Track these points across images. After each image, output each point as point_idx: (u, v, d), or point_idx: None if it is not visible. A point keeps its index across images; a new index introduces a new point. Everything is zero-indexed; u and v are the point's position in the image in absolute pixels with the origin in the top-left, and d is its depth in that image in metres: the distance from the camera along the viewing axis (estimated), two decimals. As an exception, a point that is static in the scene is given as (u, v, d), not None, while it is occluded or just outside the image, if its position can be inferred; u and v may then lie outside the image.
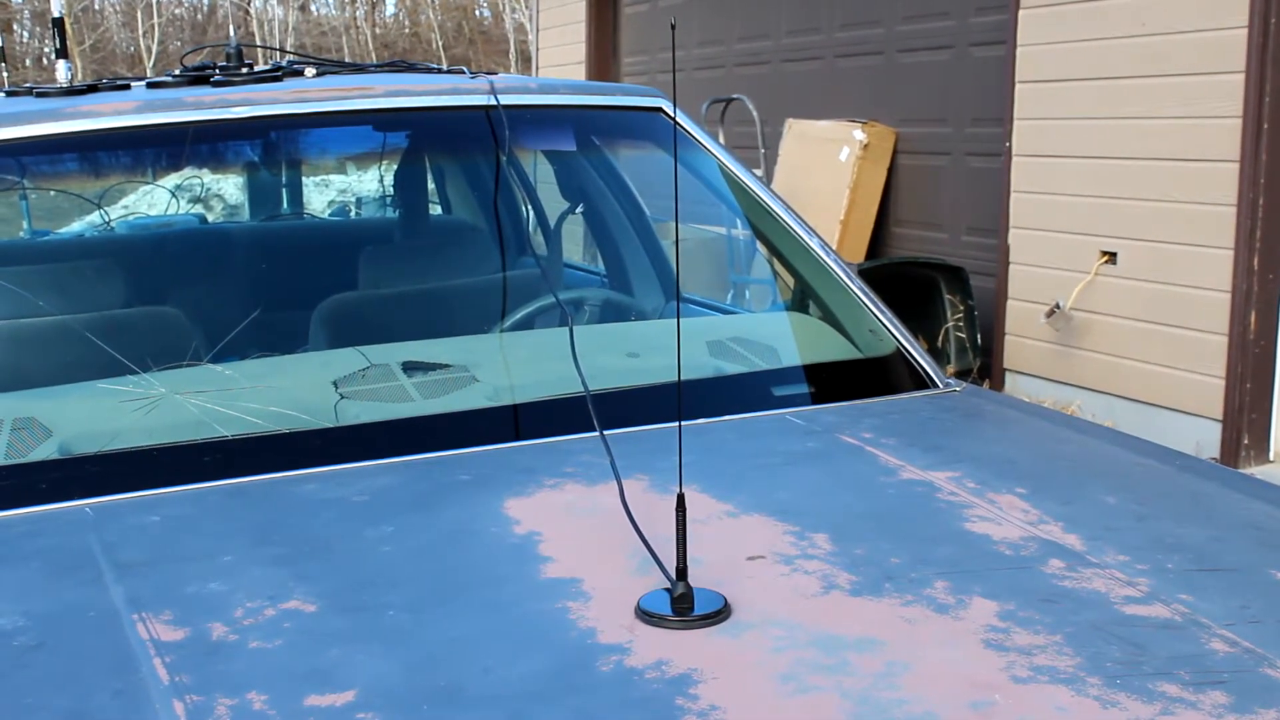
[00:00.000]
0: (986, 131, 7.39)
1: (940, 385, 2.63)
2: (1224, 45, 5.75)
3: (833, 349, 2.76)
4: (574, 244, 4.26)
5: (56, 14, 3.29)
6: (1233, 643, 1.55)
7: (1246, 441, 5.87)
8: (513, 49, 30.31)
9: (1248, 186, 5.68)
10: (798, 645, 1.52)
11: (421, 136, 3.33)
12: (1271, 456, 5.94)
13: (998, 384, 7.19)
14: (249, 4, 33.43)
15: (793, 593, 1.66)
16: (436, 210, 4.13)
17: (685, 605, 1.58)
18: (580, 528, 1.86)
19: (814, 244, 2.84)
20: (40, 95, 2.79)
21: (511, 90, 2.85)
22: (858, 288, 2.77)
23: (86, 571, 1.75)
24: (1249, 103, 5.64)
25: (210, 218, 5.09)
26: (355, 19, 35.23)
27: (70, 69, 3.05)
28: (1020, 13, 6.86)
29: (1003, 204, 7.09)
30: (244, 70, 2.88)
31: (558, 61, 12.49)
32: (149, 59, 30.83)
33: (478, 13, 35.26)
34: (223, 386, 2.31)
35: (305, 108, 2.71)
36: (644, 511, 1.79)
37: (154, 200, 4.60)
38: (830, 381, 2.66)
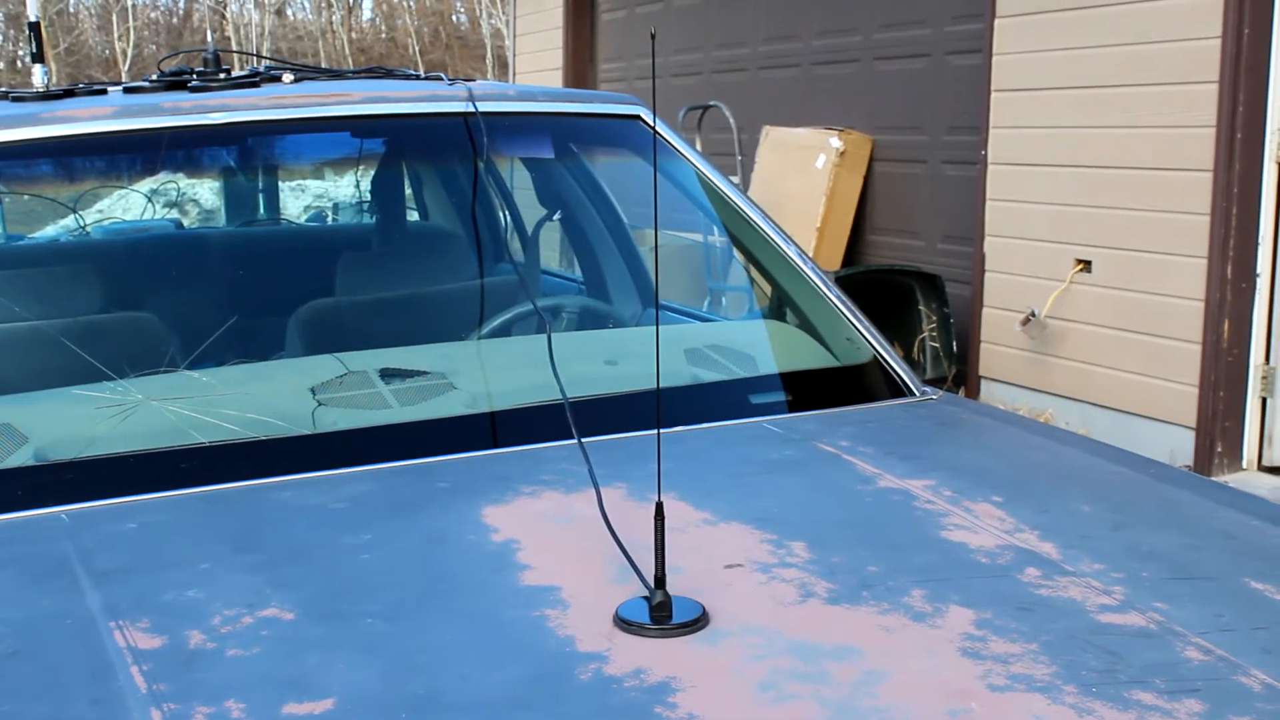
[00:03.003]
0: (962, 139, 7.42)
1: (917, 393, 2.64)
2: (1198, 55, 5.78)
3: (810, 357, 2.77)
4: (551, 251, 4.26)
5: (33, 18, 3.27)
6: (1207, 651, 1.56)
7: (1220, 449, 5.90)
8: (489, 55, 30.29)
9: (1221, 196, 5.71)
10: (776, 653, 1.53)
11: (400, 143, 3.32)
12: (1245, 464, 5.97)
13: (973, 391, 7.21)
14: (225, 8, 33.33)
15: (771, 601, 1.66)
16: (414, 217, 4.13)
17: (663, 613, 1.58)
18: (558, 535, 1.86)
19: (791, 252, 2.85)
20: (16, 100, 2.78)
21: (490, 97, 2.85)
22: (834, 296, 2.77)
23: (63, 579, 1.74)
24: (1223, 112, 5.68)
25: (186, 223, 5.08)
26: (331, 24, 35.16)
27: (46, 73, 3.04)
28: (996, 21, 6.89)
29: (978, 212, 7.11)
30: (221, 76, 2.88)
31: (535, 67, 12.49)
32: (124, 62, 30.72)
33: (455, 18, 35.22)
34: (199, 393, 2.30)
35: (283, 114, 2.70)
36: (622, 519, 1.79)
37: (129, 205, 4.59)
38: (807, 389, 2.66)
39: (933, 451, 2.32)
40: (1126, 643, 1.57)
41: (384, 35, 35.65)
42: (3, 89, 3.02)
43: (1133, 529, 1.95)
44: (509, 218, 3.81)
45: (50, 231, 4.07)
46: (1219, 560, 1.86)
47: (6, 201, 3.90)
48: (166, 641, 1.56)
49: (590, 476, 1.88)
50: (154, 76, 2.94)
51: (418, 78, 3.18)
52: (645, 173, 3.02)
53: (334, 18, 35.31)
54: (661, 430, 1.93)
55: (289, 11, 35.63)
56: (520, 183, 3.60)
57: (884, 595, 1.68)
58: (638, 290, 3.38)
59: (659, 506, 1.64)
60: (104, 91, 2.90)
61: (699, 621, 1.59)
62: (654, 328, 2.05)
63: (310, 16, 35.75)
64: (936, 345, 2.92)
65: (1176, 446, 6.00)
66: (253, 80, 2.85)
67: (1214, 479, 5.38)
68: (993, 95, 6.96)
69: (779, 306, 2.94)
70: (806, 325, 2.82)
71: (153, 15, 35.38)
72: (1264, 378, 5.88)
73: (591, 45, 11.81)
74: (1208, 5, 5.73)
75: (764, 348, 2.92)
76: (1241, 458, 5.97)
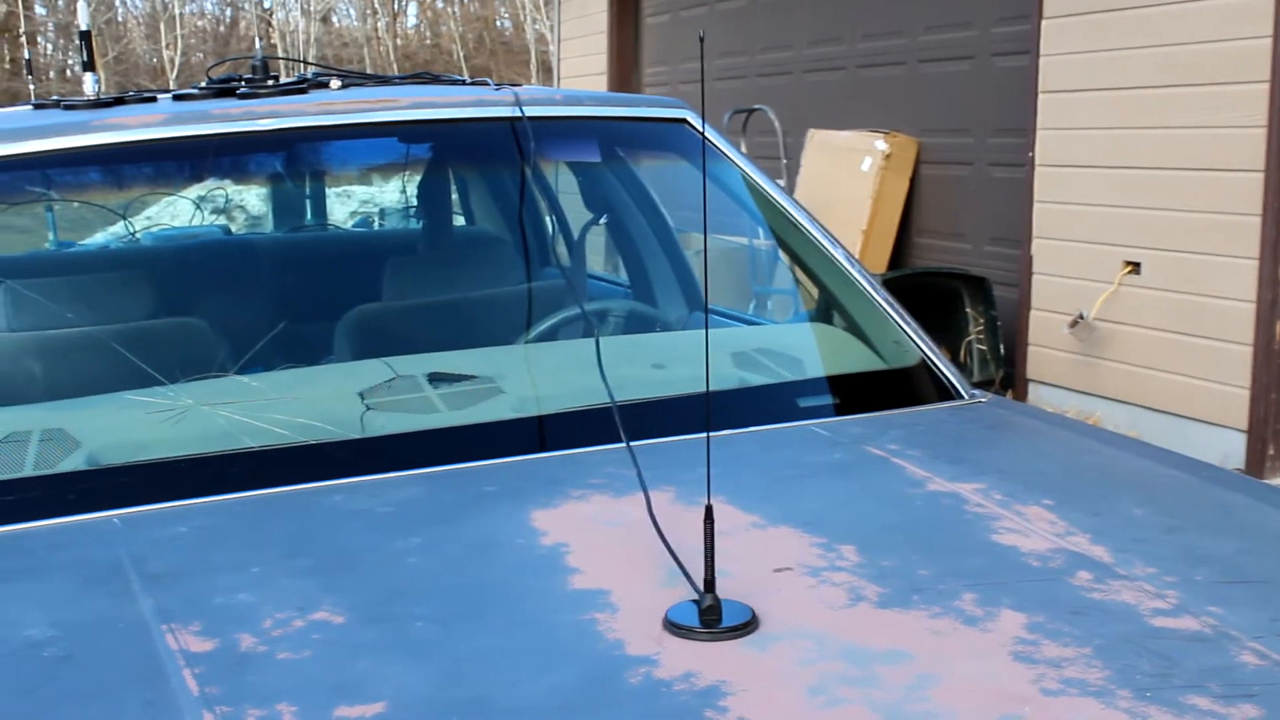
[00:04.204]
0: (1009, 141, 7.38)
1: (965, 396, 2.62)
2: (1247, 55, 5.73)
3: (857, 360, 2.76)
4: (597, 255, 4.27)
5: (84, 27, 3.30)
6: (1263, 655, 1.54)
7: (1271, 452, 5.84)
8: (534, 59, 30.37)
9: (1272, 196, 5.66)
10: (826, 657, 1.52)
11: (446, 148, 3.33)
12: (1297, 467, 5.91)
13: (1020, 394, 7.18)
14: (271, 16, 33.56)
15: (820, 604, 1.66)
16: (460, 221, 4.14)
17: (713, 617, 1.58)
18: (607, 539, 1.86)
19: (838, 254, 2.84)
20: (68, 108, 2.81)
21: (536, 102, 2.85)
22: (882, 298, 2.76)
23: (115, 583, 1.75)
24: (1273, 112, 5.62)
25: (234, 229, 5.11)
26: (377, 30, 35.33)
27: (97, 81, 3.07)
28: (1043, 23, 6.86)
29: (1025, 214, 7.08)
30: (269, 82, 2.89)
31: (579, 72, 12.51)
32: (172, 70, 30.97)
33: (499, 23, 35.33)
34: (249, 397, 2.32)
35: (331, 120, 2.72)
36: (671, 523, 1.79)
37: (178, 211, 4.63)
38: (855, 392, 2.65)
39: (982, 455, 2.31)
40: (1181, 647, 1.55)
41: (428, 41, 35.79)
42: (55, 97, 3.04)
43: (1186, 532, 1.93)
44: (555, 222, 3.82)
45: (100, 238, 4.11)
46: (1274, 563, 1.84)
47: (57, 208, 3.94)
48: (218, 645, 1.56)
49: (639, 480, 1.88)
50: (203, 84, 2.96)
51: (464, 83, 3.19)
52: (691, 176, 3.01)
53: (379, 24, 35.49)
54: (711, 434, 1.93)
55: (334, 18, 35.84)
56: (566, 187, 3.61)
57: (935, 599, 1.67)
58: (684, 294, 3.38)
59: (709, 510, 1.64)
60: (154, 99, 2.92)
61: (748, 625, 1.58)
62: (701, 331, 2.05)
63: (355, 23, 35.95)
64: (984, 348, 2.90)
65: (1228, 449, 5.95)
66: (300, 86, 2.86)
67: (1267, 482, 5.33)
68: (1040, 97, 6.92)
69: (826, 309, 2.94)
70: (854, 328, 2.81)
71: (200, 24, 35.68)
72: (1317, 380, 5.82)
73: (636, 49, 11.82)
74: (1258, 5, 5.68)
75: (811, 351, 2.91)
76: (1294, 461, 5.91)
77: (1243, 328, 5.86)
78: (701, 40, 1.58)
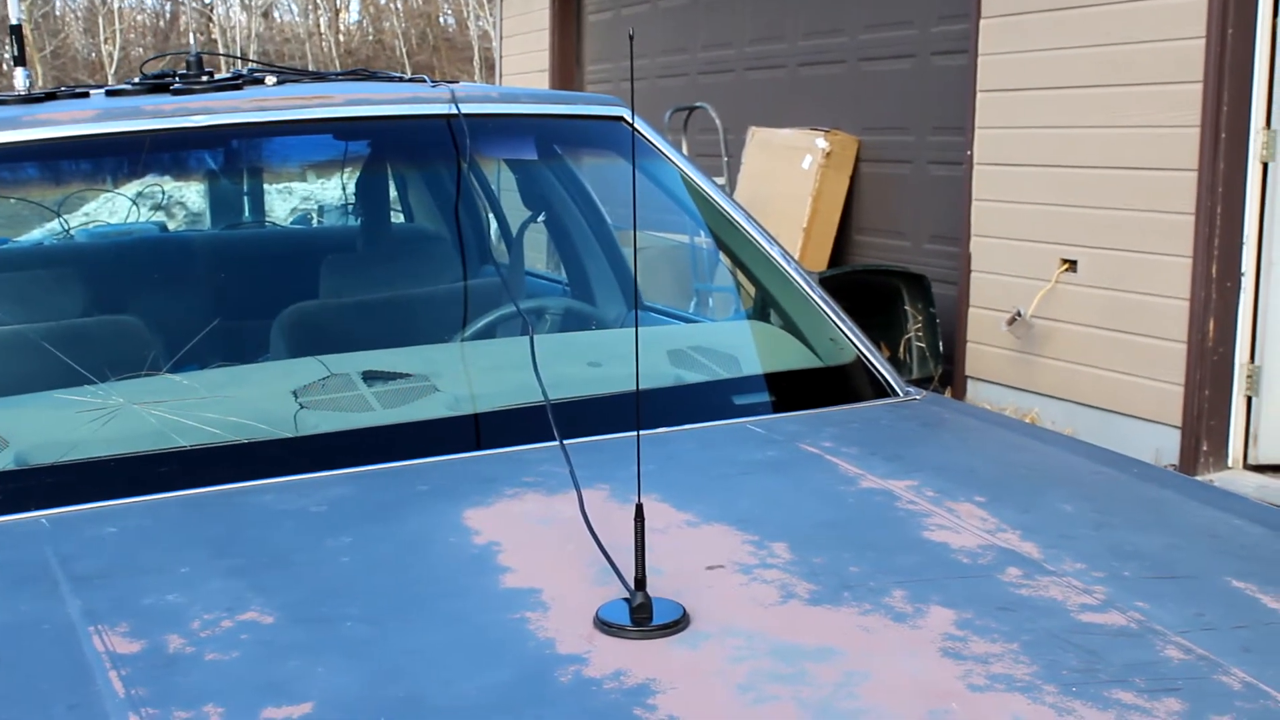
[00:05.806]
0: (948, 140, 7.43)
1: (900, 394, 2.64)
2: (1183, 55, 5.80)
3: (793, 358, 2.77)
4: (536, 252, 4.26)
5: (14, 20, 3.26)
6: (1187, 650, 1.56)
7: (1205, 448, 5.91)
8: (477, 56, 30.28)
9: (1206, 195, 5.73)
10: (756, 655, 1.53)
11: (383, 145, 3.32)
12: (1230, 463, 5.98)
13: (959, 391, 7.22)
14: (211, 11, 33.30)
15: (751, 602, 1.66)
16: (398, 219, 4.12)
17: (644, 615, 1.58)
18: (540, 538, 1.86)
19: (775, 253, 2.85)
20: (-2, 103, 2.77)
21: (473, 99, 2.84)
22: (818, 296, 2.77)
23: (42, 583, 1.74)
24: (1207, 112, 5.69)
25: (171, 226, 5.06)
26: (319, 26, 35.11)
27: (29, 76, 3.03)
28: (981, 22, 6.90)
29: (964, 212, 7.12)
30: (204, 78, 2.87)
31: (522, 69, 12.48)
32: (110, 65, 30.67)
33: (442, 20, 35.20)
34: (182, 396, 2.30)
35: (265, 116, 2.70)
36: (603, 521, 1.79)
37: (114, 208, 4.58)
38: (791, 390, 2.66)
39: (916, 452, 2.32)
40: (1107, 642, 1.57)
41: (371, 38, 35.60)
42: (-16, 92, 3.01)
43: (1115, 528, 1.95)
44: (493, 219, 3.81)
45: (34, 235, 4.06)
46: (1200, 559, 1.87)
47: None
48: (145, 646, 1.55)
49: (571, 478, 1.88)
50: (137, 80, 2.93)
51: (401, 80, 3.17)
52: (629, 174, 3.01)
53: (321, 20, 35.27)
54: (644, 432, 1.93)
55: (276, 14, 35.59)
56: (504, 184, 3.60)
57: (865, 596, 1.68)
58: (621, 291, 3.38)
59: (639, 508, 1.64)
60: (86, 94, 2.89)
61: (679, 623, 1.59)
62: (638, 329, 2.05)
63: (297, 19, 35.71)
64: (923, 345, 2.92)
65: (1162, 445, 6.01)
66: (235, 83, 2.84)
67: (1199, 478, 5.39)
68: (978, 95, 6.97)
69: (763, 307, 2.94)
70: (790, 326, 2.82)
71: (139, 18, 35.33)
72: (1249, 376, 5.89)
73: (578, 47, 11.81)
74: (1192, 5, 5.74)
75: (747, 348, 2.92)
76: (1227, 456, 5.98)
77: (1177, 325, 5.93)
78: (631, 38, 1.59)
